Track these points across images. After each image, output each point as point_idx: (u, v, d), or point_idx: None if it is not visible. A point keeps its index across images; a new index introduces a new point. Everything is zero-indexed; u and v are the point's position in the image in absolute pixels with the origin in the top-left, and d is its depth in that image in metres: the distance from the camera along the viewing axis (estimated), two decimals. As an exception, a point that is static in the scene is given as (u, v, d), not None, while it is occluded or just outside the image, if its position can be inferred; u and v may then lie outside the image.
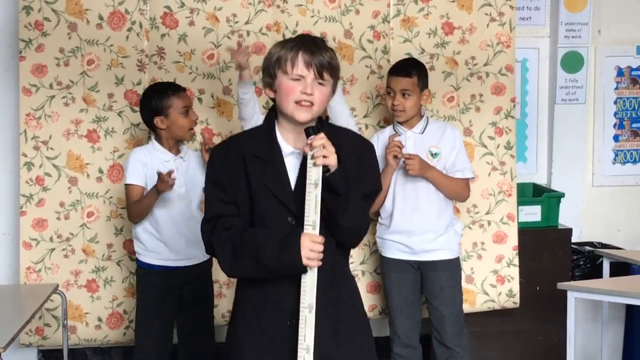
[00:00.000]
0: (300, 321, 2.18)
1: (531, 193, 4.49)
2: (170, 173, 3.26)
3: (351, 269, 2.60)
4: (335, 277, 2.30)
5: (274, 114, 2.35)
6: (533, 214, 4.27)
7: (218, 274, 3.88)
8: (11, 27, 3.94)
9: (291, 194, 2.25)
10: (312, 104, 2.24)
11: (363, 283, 3.96)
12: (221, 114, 3.87)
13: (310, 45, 2.26)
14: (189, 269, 3.43)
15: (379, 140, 3.62)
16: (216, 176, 2.30)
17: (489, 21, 4.00)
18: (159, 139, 3.43)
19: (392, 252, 3.60)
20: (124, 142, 3.80)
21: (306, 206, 2.18)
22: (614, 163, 4.71)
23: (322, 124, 2.29)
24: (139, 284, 3.49)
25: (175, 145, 3.44)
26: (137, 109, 3.78)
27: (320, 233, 2.18)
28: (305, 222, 2.18)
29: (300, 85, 2.24)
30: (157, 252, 3.41)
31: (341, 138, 2.29)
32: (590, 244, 4.50)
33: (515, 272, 4.05)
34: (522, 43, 4.37)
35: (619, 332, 4.54)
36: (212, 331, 3.57)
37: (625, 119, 4.70)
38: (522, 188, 4.33)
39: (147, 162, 3.37)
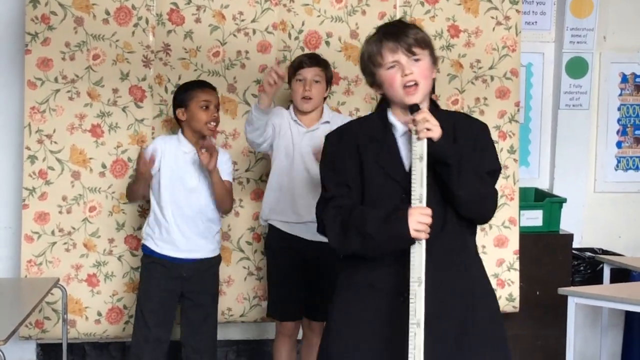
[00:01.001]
0: (410, 295, 2.17)
1: (533, 198, 4.49)
2: (152, 157, 3.36)
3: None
4: (456, 253, 2.31)
5: (385, 101, 2.40)
6: (534, 218, 4.27)
7: (219, 272, 3.89)
8: (18, 21, 3.94)
9: (404, 172, 2.29)
10: (416, 83, 2.28)
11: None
12: (225, 111, 3.87)
13: (390, 31, 2.31)
14: (194, 264, 3.44)
15: None
16: (329, 161, 2.38)
17: (494, 25, 4.00)
18: (183, 132, 3.47)
19: None
20: (128, 137, 3.80)
21: (412, 180, 2.21)
22: (616, 169, 4.71)
23: (434, 106, 2.37)
24: (142, 273, 3.51)
25: (199, 140, 3.43)
26: (142, 104, 3.80)
27: (437, 208, 2.22)
28: (412, 196, 2.21)
29: (398, 71, 2.29)
30: (161, 241, 3.43)
31: (455, 121, 2.36)
32: (591, 249, 4.51)
33: (515, 276, 4.05)
34: (527, 47, 4.38)
35: (618, 338, 4.54)
36: (215, 328, 3.57)
37: (629, 125, 4.70)
38: (524, 192, 4.33)
39: (164, 151, 3.42)
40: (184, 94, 3.45)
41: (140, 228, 3.69)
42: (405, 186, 2.25)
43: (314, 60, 3.52)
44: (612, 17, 4.60)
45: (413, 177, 2.21)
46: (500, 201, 4.02)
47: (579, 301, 3.53)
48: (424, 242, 2.19)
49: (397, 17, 3.95)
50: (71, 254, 3.78)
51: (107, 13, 3.75)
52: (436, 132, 2.21)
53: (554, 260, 4.23)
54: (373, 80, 2.36)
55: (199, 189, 3.42)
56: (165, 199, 3.41)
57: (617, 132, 4.70)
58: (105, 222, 3.81)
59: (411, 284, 2.17)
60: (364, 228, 2.22)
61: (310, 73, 3.46)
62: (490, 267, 4.01)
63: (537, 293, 4.20)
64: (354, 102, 3.93)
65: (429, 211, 2.19)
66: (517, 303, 4.06)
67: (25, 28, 3.72)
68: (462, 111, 3.37)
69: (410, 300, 2.17)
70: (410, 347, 2.16)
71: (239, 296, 3.94)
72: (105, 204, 3.81)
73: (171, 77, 3.82)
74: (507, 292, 4.04)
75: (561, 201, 4.34)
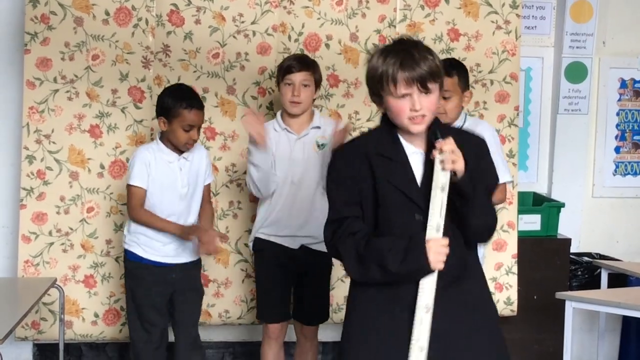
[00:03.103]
0: (415, 321, 2.19)
1: (531, 202, 4.49)
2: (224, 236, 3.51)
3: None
4: (464, 269, 2.30)
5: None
6: (533, 223, 4.27)
7: (217, 274, 3.89)
8: (17, 20, 3.93)
9: (419, 190, 2.26)
10: (423, 115, 2.25)
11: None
12: (224, 113, 3.87)
13: (409, 60, 2.22)
14: (181, 265, 3.39)
15: None
16: (340, 177, 2.30)
17: (494, 29, 4.01)
18: (163, 139, 3.36)
19: None
20: (126, 138, 3.80)
21: (431, 209, 2.20)
22: (614, 174, 4.71)
23: (438, 125, 2.31)
24: (128, 279, 3.42)
25: (175, 149, 3.36)
26: (141, 105, 3.80)
27: (447, 232, 2.21)
28: (429, 225, 2.20)
29: (408, 103, 2.23)
30: (149, 247, 3.35)
31: (458, 137, 2.29)
32: (589, 254, 4.51)
33: (513, 280, 4.05)
34: (527, 52, 4.38)
35: (615, 343, 4.53)
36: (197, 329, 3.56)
37: (627, 130, 4.70)
38: (522, 197, 4.33)
39: (151, 162, 3.32)
40: (171, 106, 3.27)
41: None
42: (419, 204, 2.24)
43: (303, 64, 3.44)
44: (611, 22, 4.60)
45: (432, 205, 2.20)
46: (499, 205, 4.01)
47: (576, 305, 3.53)
48: (437, 272, 2.21)
49: (398, 21, 3.95)
50: (68, 255, 3.77)
51: (107, 13, 3.74)
52: (460, 164, 2.19)
53: (552, 265, 4.23)
54: (379, 100, 2.29)
55: (189, 195, 3.38)
56: (157, 208, 3.32)
57: (616, 137, 4.70)
58: (103, 223, 3.80)
59: (418, 309, 2.19)
60: (383, 264, 2.19)
61: (298, 77, 3.38)
62: (488, 271, 4.00)
63: (535, 297, 4.20)
64: (353, 104, 3.92)
65: (446, 242, 2.19)
66: (514, 307, 4.06)
67: (24, 28, 3.72)
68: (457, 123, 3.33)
69: (415, 325, 2.18)
70: None
71: (236, 298, 3.93)
72: (103, 204, 3.80)
73: (171, 78, 3.81)
74: (505, 296, 4.04)
75: (559, 206, 4.34)
